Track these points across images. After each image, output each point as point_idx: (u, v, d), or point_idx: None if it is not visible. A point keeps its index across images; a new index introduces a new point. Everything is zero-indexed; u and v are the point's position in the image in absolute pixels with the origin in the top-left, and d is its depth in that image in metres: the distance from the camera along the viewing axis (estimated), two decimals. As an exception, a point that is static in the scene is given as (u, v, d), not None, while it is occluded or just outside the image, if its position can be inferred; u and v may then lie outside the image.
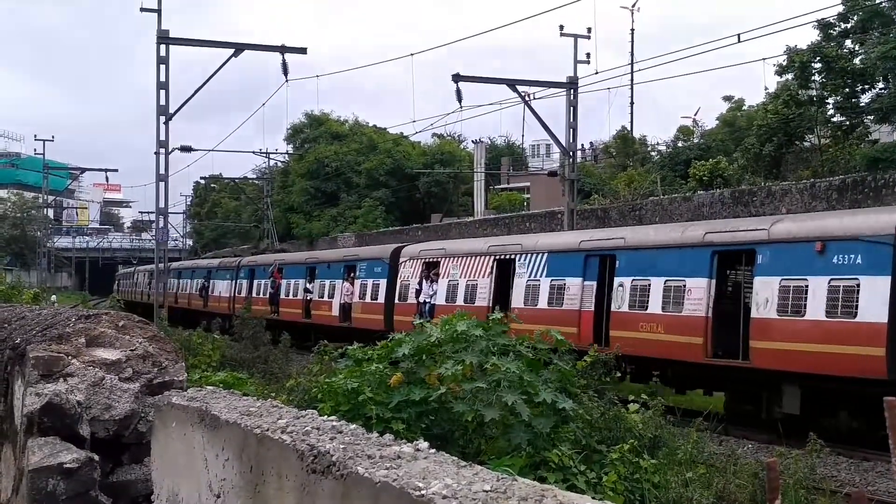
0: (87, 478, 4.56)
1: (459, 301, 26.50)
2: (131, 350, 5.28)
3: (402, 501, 2.20)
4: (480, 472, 2.35)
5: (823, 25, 34.03)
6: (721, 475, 11.75)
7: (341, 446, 2.63)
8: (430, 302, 28.96)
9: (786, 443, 15.18)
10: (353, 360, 8.45)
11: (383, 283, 32.24)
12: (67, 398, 4.80)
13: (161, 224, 34.72)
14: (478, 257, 27.39)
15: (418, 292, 29.41)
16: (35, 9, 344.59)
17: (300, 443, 2.72)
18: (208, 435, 3.38)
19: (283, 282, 40.28)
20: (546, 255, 24.45)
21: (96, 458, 4.66)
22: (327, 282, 36.42)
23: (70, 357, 5.06)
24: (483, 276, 26.74)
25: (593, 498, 2.15)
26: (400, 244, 35.72)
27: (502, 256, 26.36)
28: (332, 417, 3.19)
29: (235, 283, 46.30)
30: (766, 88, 42.12)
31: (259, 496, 2.92)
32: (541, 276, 24.35)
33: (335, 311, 35.30)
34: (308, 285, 37.89)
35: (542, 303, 23.86)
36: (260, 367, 24.87)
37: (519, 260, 25.39)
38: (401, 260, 31.76)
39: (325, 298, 36.20)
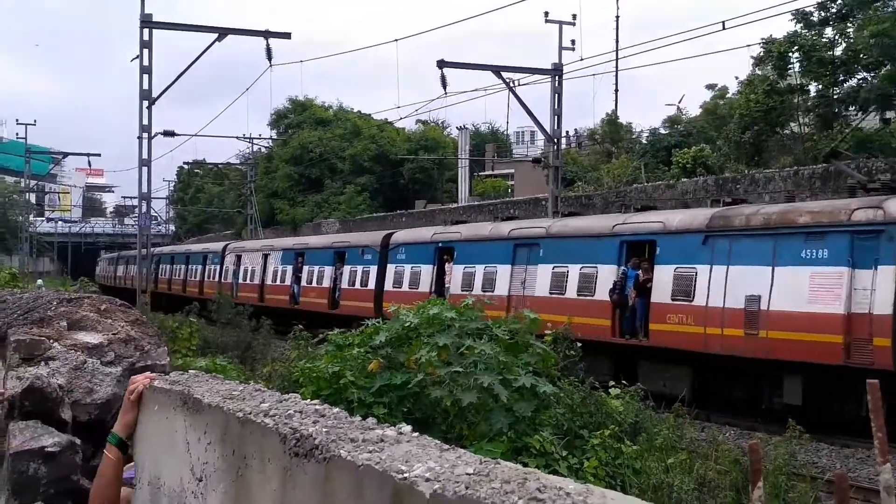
0: (68, 462, 4.55)
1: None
2: (113, 334, 5.26)
3: (384, 484, 2.20)
4: (463, 456, 2.35)
5: (802, 15, 34.09)
6: (702, 461, 11.78)
7: (324, 430, 2.62)
8: None
9: (765, 429, 15.29)
10: (335, 346, 8.45)
11: None
12: (49, 382, 4.78)
13: (144, 209, 34.61)
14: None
15: None
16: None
17: (283, 426, 2.71)
18: (190, 419, 3.37)
19: None
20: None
21: (78, 442, 4.65)
22: None
23: (51, 340, 5.04)
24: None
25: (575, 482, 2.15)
26: None
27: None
28: (315, 401, 3.19)
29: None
30: (735, 78, 42.06)
31: (241, 479, 2.92)
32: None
33: None
34: None
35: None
36: None
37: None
38: None
39: None
